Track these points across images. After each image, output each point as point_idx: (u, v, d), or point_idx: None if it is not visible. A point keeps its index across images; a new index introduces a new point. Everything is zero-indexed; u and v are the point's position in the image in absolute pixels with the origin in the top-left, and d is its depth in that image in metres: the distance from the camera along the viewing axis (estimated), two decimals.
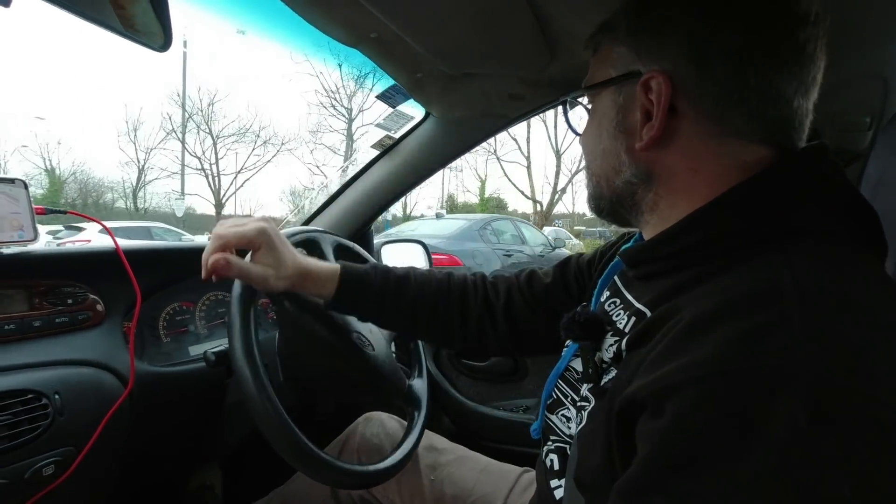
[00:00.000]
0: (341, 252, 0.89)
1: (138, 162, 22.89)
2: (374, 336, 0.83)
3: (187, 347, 0.99)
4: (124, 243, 0.84)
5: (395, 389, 0.84)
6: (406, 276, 0.75)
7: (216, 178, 23.03)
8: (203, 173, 22.84)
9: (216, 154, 22.73)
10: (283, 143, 23.08)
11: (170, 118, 21.10)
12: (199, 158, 22.43)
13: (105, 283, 0.85)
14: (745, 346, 0.34)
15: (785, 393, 0.32)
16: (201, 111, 21.98)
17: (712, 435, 0.34)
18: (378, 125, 1.18)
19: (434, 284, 0.75)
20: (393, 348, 0.91)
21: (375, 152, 1.30)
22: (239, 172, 22.90)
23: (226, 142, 22.61)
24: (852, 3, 0.68)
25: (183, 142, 20.39)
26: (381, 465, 0.74)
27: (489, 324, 0.75)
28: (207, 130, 22.45)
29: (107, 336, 0.81)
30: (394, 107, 1.10)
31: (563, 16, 0.76)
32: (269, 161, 22.98)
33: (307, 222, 1.42)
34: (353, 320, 0.80)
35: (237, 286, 0.68)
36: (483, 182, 25.24)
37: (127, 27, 0.63)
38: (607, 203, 0.54)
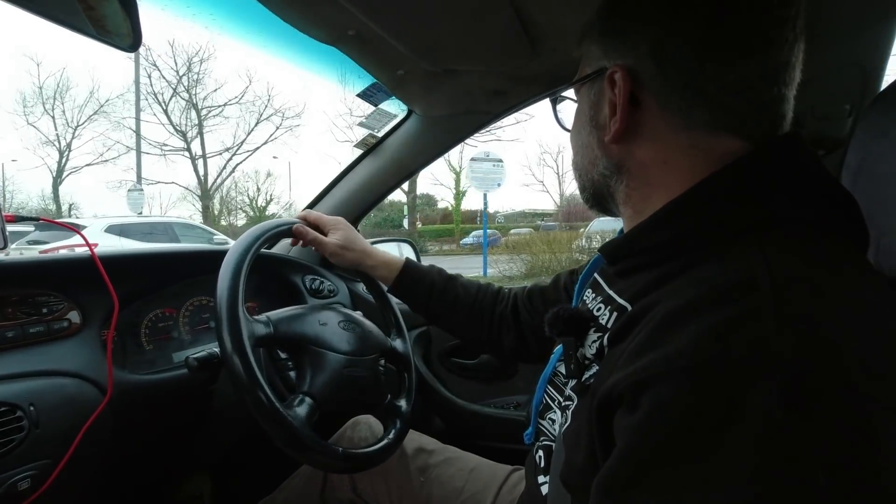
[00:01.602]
0: None
1: (59, 142, 19.65)
2: (359, 335, 0.82)
3: (171, 354, 0.97)
4: (103, 250, 0.83)
5: (370, 396, 0.83)
6: (454, 277, 0.90)
7: (198, 161, 19.12)
8: (187, 154, 18.88)
9: (201, 128, 18.97)
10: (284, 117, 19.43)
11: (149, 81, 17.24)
12: (180, 133, 18.24)
13: (82, 291, 0.83)
14: (720, 339, 0.34)
15: (760, 384, 0.32)
16: (176, 71, 18.26)
17: (687, 428, 0.33)
18: (361, 124, 1.16)
19: (475, 288, 0.89)
20: (382, 363, 0.90)
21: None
22: (238, 150, 18.84)
23: (212, 112, 18.84)
24: None
25: (138, 107, 15.91)
26: (369, 449, 0.76)
27: (505, 329, 0.85)
28: (187, 97, 18.41)
29: (84, 345, 0.79)
30: (375, 105, 1.09)
31: (543, 12, 0.76)
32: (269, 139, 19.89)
33: None
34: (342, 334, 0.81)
35: (224, 283, 0.67)
36: (458, 174, 22.12)
37: (98, 28, 0.62)
38: (590, 195, 0.56)
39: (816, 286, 0.36)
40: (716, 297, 0.36)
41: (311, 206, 1.39)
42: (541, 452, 0.60)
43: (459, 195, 22.77)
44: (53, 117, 19.48)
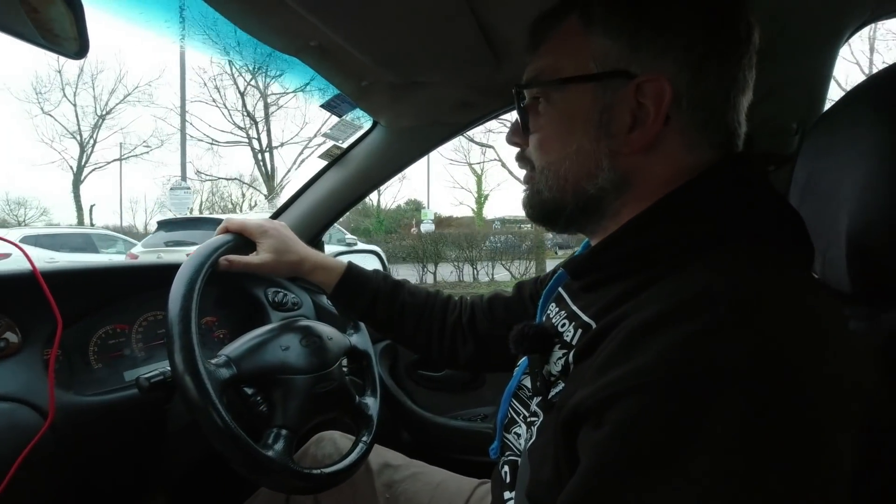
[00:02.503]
0: None
1: (80, 135, 17.47)
2: (323, 347, 0.81)
3: (122, 373, 0.92)
4: (45, 266, 0.78)
5: (342, 404, 0.82)
6: (401, 283, 0.84)
7: (264, 154, 16.29)
8: (250, 142, 15.66)
9: (268, 119, 16.07)
10: None
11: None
12: (251, 119, 15.18)
13: (22, 308, 0.78)
14: (682, 354, 0.34)
15: (719, 398, 0.32)
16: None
17: (651, 443, 0.34)
18: (325, 135, 1.15)
19: (423, 296, 0.84)
20: (345, 362, 0.89)
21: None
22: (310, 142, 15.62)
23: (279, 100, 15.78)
24: (780, 17, 0.72)
25: (183, 95, 12.62)
26: (334, 467, 0.74)
27: (460, 339, 0.81)
28: (255, 84, 15.20)
29: (24, 367, 0.75)
30: (340, 116, 1.08)
31: (505, 24, 0.76)
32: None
33: None
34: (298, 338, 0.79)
35: (176, 297, 0.64)
36: (479, 177, 20.48)
37: (43, 32, 0.59)
38: (571, 210, 0.50)
39: (771, 300, 0.37)
40: (678, 312, 0.37)
41: (275, 217, 1.36)
42: (506, 468, 0.59)
43: (482, 198, 20.98)
44: (75, 105, 17.34)
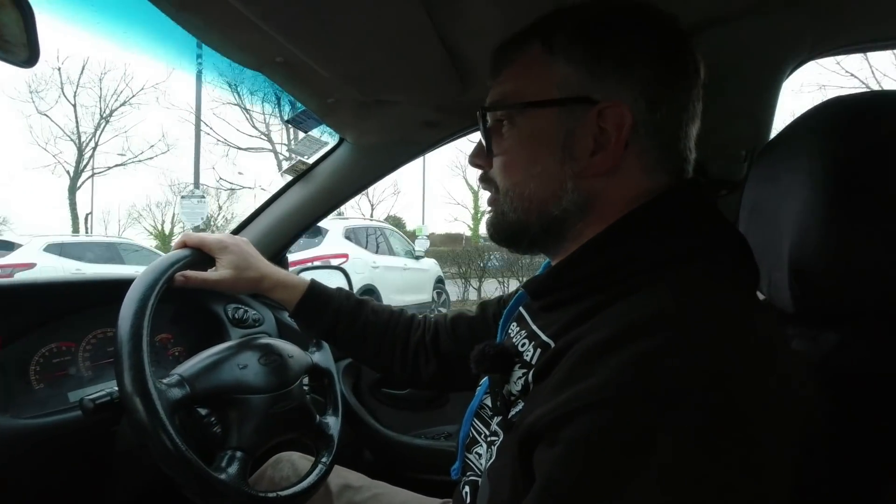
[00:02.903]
0: None
1: (79, 138, 16.37)
2: (283, 365, 0.79)
3: (66, 394, 0.87)
4: None
5: (301, 424, 0.79)
6: (364, 302, 0.83)
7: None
8: (280, 152, 14.46)
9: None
10: None
11: None
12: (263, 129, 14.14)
13: None
14: (635, 373, 0.35)
15: (670, 416, 0.33)
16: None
17: (603, 461, 0.34)
18: (291, 150, 1.13)
19: (386, 315, 0.83)
20: (306, 381, 0.87)
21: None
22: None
23: None
24: (728, 54, 0.76)
25: (198, 95, 11.17)
26: (287, 492, 0.71)
27: (423, 359, 0.80)
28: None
29: None
30: (305, 131, 1.07)
31: (470, 47, 0.78)
32: None
33: None
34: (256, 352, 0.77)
35: (127, 313, 0.61)
36: (476, 193, 20.14)
37: None
38: (535, 231, 0.51)
39: (719, 321, 0.38)
40: (630, 333, 0.38)
41: (236, 232, 1.32)
42: (467, 488, 0.59)
43: (478, 215, 20.62)
44: (75, 105, 15.94)
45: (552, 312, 0.51)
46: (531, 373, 0.47)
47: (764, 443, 0.34)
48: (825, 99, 0.52)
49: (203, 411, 0.70)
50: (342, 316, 0.80)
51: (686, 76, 0.48)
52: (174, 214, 18.53)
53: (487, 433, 0.55)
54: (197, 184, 10.81)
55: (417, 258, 8.42)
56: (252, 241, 1.30)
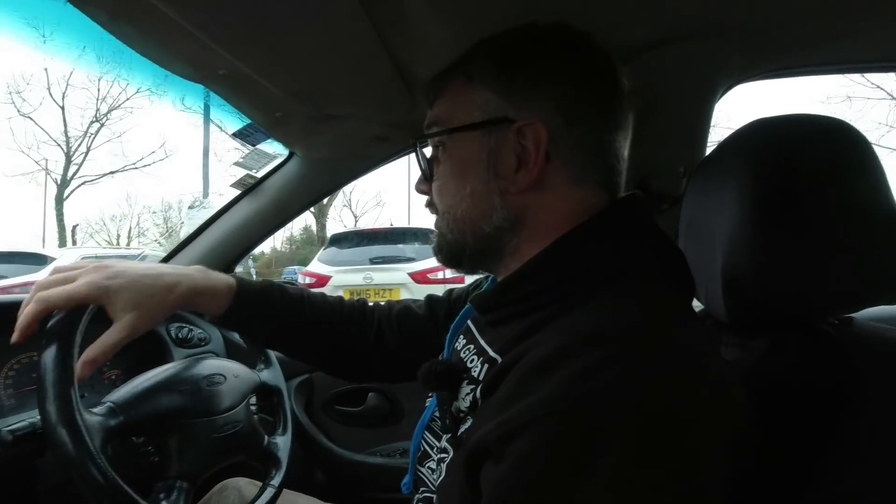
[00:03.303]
0: None
1: (67, 143, 14.90)
2: (228, 386, 0.76)
3: None
4: None
5: (248, 447, 0.76)
6: (301, 297, 0.72)
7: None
8: None
9: None
10: None
11: None
12: None
13: None
14: (576, 387, 0.36)
15: (610, 429, 0.34)
16: None
17: (547, 477, 0.35)
18: (238, 164, 1.10)
19: (328, 309, 0.74)
20: (254, 400, 0.84)
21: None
22: None
23: None
24: (663, 75, 0.80)
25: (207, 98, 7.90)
26: None
27: (363, 354, 0.75)
28: None
29: None
30: (253, 145, 1.04)
31: (419, 64, 0.79)
32: None
33: (165, 261, 1.28)
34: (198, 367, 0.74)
35: (50, 348, 0.57)
36: None
37: None
38: (471, 250, 0.53)
39: (656, 333, 0.40)
40: (574, 347, 0.39)
41: (177, 252, 1.27)
42: None
43: None
44: (63, 108, 14.40)
45: (499, 327, 0.51)
46: (479, 389, 0.47)
47: (704, 449, 0.36)
48: (757, 118, 0.55)
49: (139, 440, 0.65)
50: (280, 318, 0.70)
51: (604, 89, 0.50)
52: (131, 228, 17.49)
53: (439, 447, 0.55)
54: (206, 193, 10.16)
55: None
56: (201, 253, 1.27)
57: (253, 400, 0.80)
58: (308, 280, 5.38)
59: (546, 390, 0.37)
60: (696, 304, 0.56)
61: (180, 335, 1.12)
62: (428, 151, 0.58)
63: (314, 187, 1.18)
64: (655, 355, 0.38)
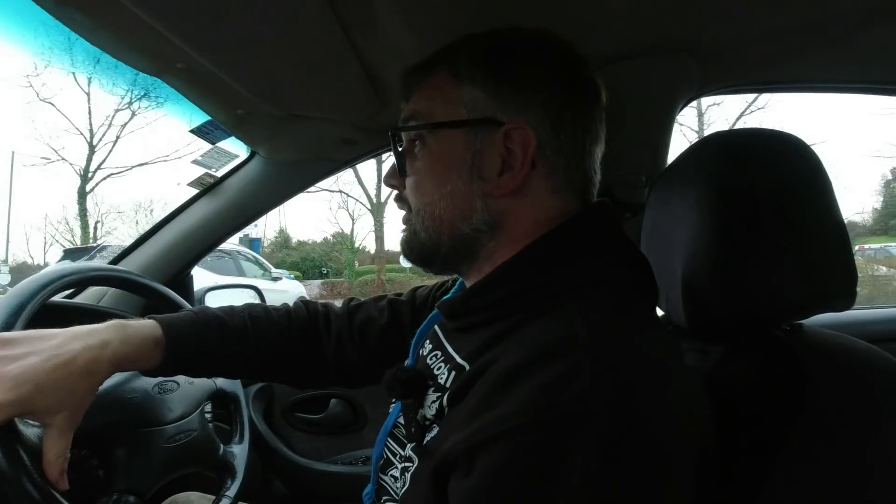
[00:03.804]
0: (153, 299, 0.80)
1: (91, 132, 12.76)
2: (181, 393, 0.72)
3: None
4: None
5: (202, 457, 0.73)
6: (244, 330, 0.66)
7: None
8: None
9: None
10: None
11: None
12: None
13: None
14: (545, 398, 0.36)
15: (580, 440, 0.34)
16: None
17: (519, 488, 0.35)
18: (196, 162, 1.06)
19: (274, 334, 0.68)
20: (209, 407, 0.80)
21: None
22: None
23: None
24: (626, 88, 0.83)
25: None
26: None
27: (321, 369, 0.71)
28: None
29: None
30: (212, 143, 1.00)
31: (388, 67, 0.78)
32: None
33: (114, 262, 1.21)
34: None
35: None
36: None
37: None
38: (446, 250, 0.52)
39: (624, 341, 0.40)
40: (543, 356, 0.38)
41: (137, 245, 1.21)
42: None
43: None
44: (88, 94, 12.52)
45: (467, 333, 0.51)
46: (446, 396, 0.46)
47: (673, 454, 0.36)
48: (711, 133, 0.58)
49: (82, 452, 0.61)
50: (221, 360, 0.65)
51: (587, 99, 0.51)
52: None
53: (402, 455, 0.54)
54: None
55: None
56: (154, 255, 1.21)
57: (208, 407, 0.77)
58: None
59: (515, 401, 0.37)
60: (658, 311, 0.57)
61: None
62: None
63: (278, 188, 1.15)
64: (623, 363, 0.38)
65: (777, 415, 0.46)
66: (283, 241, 19.03)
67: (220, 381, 0.83)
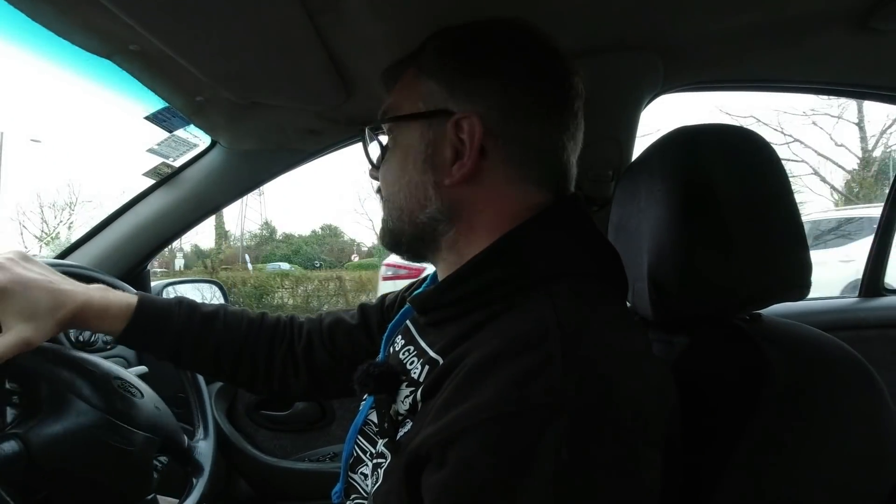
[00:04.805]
0: None
1: None
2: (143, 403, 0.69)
3: None
4: None
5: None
6: (214, 315, 0.69)
7: None
8: None
9: None
10: None
11: None
12: None
13: None
14: (518, 388, 0.36)
15: (551, 430, 0.34)
16: None
17: (491, 479, 0.35)
18: (152, 151, 1.01)
19: (244, 326, 0.70)
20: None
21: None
22: None
23: None
24: (594, 82, 0.84)
25: None
26: None
27: (292, 372, 0.71)
28: None
29: None
30: (170, 131, 0.96)
31: (355, 56, 0.76)
32: None
33: (62, 256, 1.15)
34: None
35: None
36: None
37: None
38: (408, 238, 0.54)
39: (594, 332, 0.41)
40: (514, 347, 0.39)
41: (90, 237, 1.14)
42: None
43: None
44: None
45: (439, 327, 0.50)
46: (419, 391, 0.46)
47: (643, 445, 0.37)
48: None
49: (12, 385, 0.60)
50: (187, 337, 0.67)
51: (549, 88, 0.50)
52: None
53: (373, 452, 0.53)
54: None
55: None
56: (108, 248, 1.16)
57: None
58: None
59: (486, 393, 0.37)
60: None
61: (81, 338, 1.02)
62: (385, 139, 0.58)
63: (240, 179, 1.11)
64: (593, 355, 0.38)
65: (739, 401, 0.48)
66: (268, 233, 18.74)
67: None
